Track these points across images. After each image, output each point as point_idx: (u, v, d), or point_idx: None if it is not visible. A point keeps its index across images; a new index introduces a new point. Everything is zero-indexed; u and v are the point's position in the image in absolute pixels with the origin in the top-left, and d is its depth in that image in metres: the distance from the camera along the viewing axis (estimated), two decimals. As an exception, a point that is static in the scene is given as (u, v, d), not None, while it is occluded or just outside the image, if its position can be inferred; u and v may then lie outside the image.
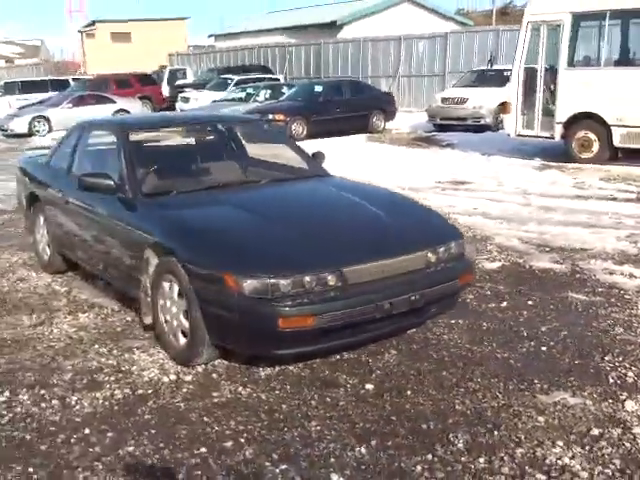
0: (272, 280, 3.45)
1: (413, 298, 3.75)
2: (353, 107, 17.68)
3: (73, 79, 27.29)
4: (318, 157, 5.24)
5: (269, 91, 19.88)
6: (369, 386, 3.71)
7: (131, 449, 3.12)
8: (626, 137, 11.22)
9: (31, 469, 2.97)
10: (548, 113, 12.02)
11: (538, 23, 11.92)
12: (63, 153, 5.60)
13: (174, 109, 22.74)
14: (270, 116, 16.79)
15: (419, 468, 2.92)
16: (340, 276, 3.56)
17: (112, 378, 3.87)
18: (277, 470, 2.92)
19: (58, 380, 3.84)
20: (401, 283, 3.74)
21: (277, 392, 3.66)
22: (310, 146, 6.19)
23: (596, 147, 11.57)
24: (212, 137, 5.61)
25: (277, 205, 4.38)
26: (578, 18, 11.55)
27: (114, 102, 20.56)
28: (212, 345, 3.81)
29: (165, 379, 3.84)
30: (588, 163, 11.49)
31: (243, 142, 5.50)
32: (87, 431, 3.30)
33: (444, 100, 17.70)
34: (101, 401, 3.60)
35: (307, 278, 3.49)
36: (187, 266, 3.72)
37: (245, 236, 3.81)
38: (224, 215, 4.14)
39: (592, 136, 11.58)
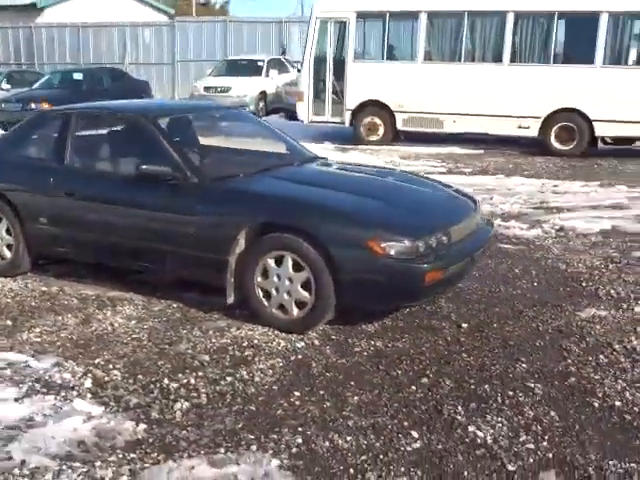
0: (413, 243, 4.04)
1: (479, 251, 4.64)
2: (115, 96, 17.14)
3: None
4: None
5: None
6: (465, 325, 4.50)
7: (355, 399, 3.51)
8: (407, 121, 13.15)
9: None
10: (338, 101, 13.42)
11: (326, 19, 13.21)
12: (37, 144, 5.24)
13: None
14: (33, 105, 15.74)
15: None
16: (449, 236, 4.29)
17: (248, 352, 4.07)
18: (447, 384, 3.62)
19: (206, 364, 3.92)
20: (474, 239, 4.59)
21: (402, 341, 4.26)
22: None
23: (381, 131, 13.32)
24: (225, 123, 5.70)
25: (347, 182, 4.87)
26: (362, 17, 13.13)
27: None
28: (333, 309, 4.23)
29: (299, 345, 4.17)
30: (375, 145, 13.19)
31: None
32: (297, 394, 3.58)
33: (207, 89, 18.24)
34: (270, 371, 3.83)
35: (433, 239, 4.15)
36: (316, 239, 4.08)
37: (368, 208, 4.29)
38: (324, 192, 4.52)
39: (378, 121, 13.30)
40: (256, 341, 4.23)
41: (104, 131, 5.36)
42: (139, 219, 4.69)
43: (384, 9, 12.99)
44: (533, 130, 12.38)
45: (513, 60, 12.36)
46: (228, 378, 3.74)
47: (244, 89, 17.95)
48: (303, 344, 4.19)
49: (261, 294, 4.38)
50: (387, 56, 13.17)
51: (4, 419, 3.30)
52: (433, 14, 12.70)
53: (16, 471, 2.89)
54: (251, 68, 19.04)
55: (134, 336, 4.33)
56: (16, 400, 3.50)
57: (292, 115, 16.63)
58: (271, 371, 3.84)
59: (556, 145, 12.33)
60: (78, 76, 17.12)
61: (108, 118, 5.27)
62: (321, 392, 3.60)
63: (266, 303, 4.38)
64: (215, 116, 5.65)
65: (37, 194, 5.14)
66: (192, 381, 3.71)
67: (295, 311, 4.30)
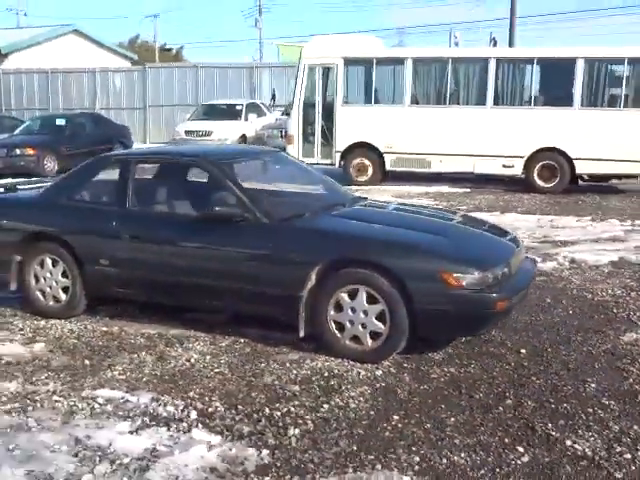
0: (482, 274, 4.35)
1: (531, 282, 4.99)
2: (97, 141, 17.42)
3: None
4: None
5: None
6: (523, 350, 4.81)
7: (452, 420, 3.77)
8: (395, 162, 13.62)
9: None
10: (327, 143, 13.84)
11: (314, 65, 13.67)
12: (95, 189, 5.43)
13: None
14: (18, 150, 15.81)
15: None
16: (509, 267, 4.62)
17: (333, 382, 4.28)
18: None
19: (298, 394, 4.12)
20: (524, 272, 4.94)
21: (472, 367, 4.54)
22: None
23: (370, 171, 13.76)
24: (277, 166, 5.93)
25: (407, 220, 5.18)
26: (349, 62, 13.63)
27: None
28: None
29: (378, 373, 4.41)
30: (364, 185, 13.58)
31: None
32: (396, 417, 3.82)
33: (188, 133, 18.51)
34: (361, 398, 4.06)
35: (498, 271, 4.47)
36: (392, 273, 4.36)
37: (438, 243, 4.60)
38: (392, 229, 4.81)
39: (367, 162, 13.75)
40: (336, 371, 4.44)
41: (165, 176, 5.56)
42: (210, 259, 4.89)
43: (371, 55, 13.54)
44: (517, 169, 12.97)
45: (496, 103, 12.99)
46: (325, 406, 3.95)
47: (225, 133, 18.27)
48: (381, 372, 4.42)
49: (334, 327, 4.61)
50: (375, 100, 13.67)
51: (129, 451, 3.44)
52: (418, 60, 13.28)
53: (165, 497, 3.03)
54: (230, 112, 19.43)
55: (216, 370, 4.50)
56: (131, 433, 3.64)
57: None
58: (362, 398, 4.06)
59: (539, 183, 12.92)
60: (60, 121, 17.19)
61: (168, 163, 5.49)
62: (417, 415, 3.84)
63: (339, 335, 4.61)
64: (262, 159, 5.90)
65: (99, 237, 5.29)
66: (292, 410, 3.90)
67: (369, 342, 4.54)
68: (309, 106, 13.84)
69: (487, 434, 3.63)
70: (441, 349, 4.79)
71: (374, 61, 13.49)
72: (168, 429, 3.68)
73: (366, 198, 5.87)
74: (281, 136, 17.70)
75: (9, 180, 6.75)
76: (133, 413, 3.88)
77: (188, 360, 4.68)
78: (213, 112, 19.50)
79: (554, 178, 12.83)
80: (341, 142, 13.67)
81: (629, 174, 12.71)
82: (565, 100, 12.62)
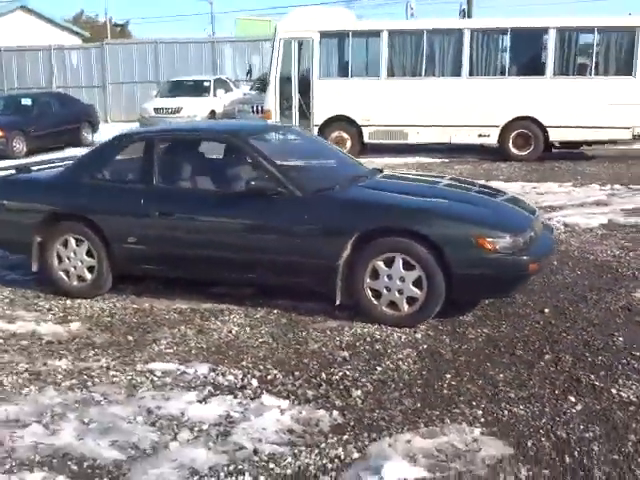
0: (514, 238, 4.57)
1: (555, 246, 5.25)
2: (64, 120, 17.17)
3: None
4: None
5: None
6: (547, 309, 5.06)
7: (501, 376, 4.00)
8: (373, 134, 13.78)
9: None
10: (305, 117, 13.90)
11: (290, 39, 13.67)
12: (119, 167, 5.46)
13: None
14: (-14, 132, 15.45)
15: None
16: (535, 232, 4.85)
17: (378, 346, 4.46)
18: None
19: (349, 359, 4.29)
20: (545, 236, 5.18)
21: (504, 327, 4.77)
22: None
23: (349, 144, 13.88)
24: (295, 140, 6.00)
25: (434, 190, 5.35)
26: (326, 36, 13.66)
27: None
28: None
29: (418, 336, 4.60)
30: (342, 158, 13.68)
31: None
32: (448, 376, 4.02)
33: (157, 110, 18.28)
34: (409, 360, 4.25)
35: (526, 235, 4.69)
36: (429, 240, 4.54)
37: (471, 210, 4.79)
38: (424, 198, 4.97)
39: (345, 135, 13.87)
40: (377, 336, 4.62)
41: (192, 152, 5.60)
42: (245, 233, 4.99)
43: (347, 28, 13.60)
44: (493, 138, 13.28)
45: (471, 74, 13.22)
46: (378, 368, 4.13)
47: (194, 109, 18.11)
48: (420, 335, 4.62)
49: (370, 294, 4.78)
50: (352, 73, 13.75)
51: (204, 419, 3.56)
52: (394, 32, 13.40)
53: (256, 458, 3.18)
54: (198, 88, 19.26)
55: (260, 340, 4.63)
56: (200, 402, 3.75)
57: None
58: (410, 360, 4.25)
59: (514, 151, 13.26)
60: (27, 101, 16.82)
61: (195, 140, 5.53)
62: (467, 373, 4.05)
63: (376, 302, 4.78)
64: (282, 134, 5.97)
65: (126, 215, 5.32)
66: (347, 373, 4.07)
67: (406, 307, 4.72)
68: (286, 80, 13.85)
69: (537, 387, 3.85)
70: (469, 312, 5.00)
71: (350, 34, 13.56)
72: (234, 397, 3.80)
73: (382, 170, 6.01)
74: (252, 111, 17.66)
75: (21, 161, 6.67)
76: (194, 384, 3.99)
77: (229, 332, 4.79)
78: (180, 88, 19.28)
79: (528, 146, 13.18)
80: (319, 116, 13.75)
81: (599, 140, 13.13)
82: (538, 70, 12.94)
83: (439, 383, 3.93)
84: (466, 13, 21.79)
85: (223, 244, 5.05)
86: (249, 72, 20.47)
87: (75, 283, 5.58)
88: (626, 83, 12.60)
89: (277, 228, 4.90)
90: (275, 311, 5.15)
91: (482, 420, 3.49)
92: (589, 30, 12.81)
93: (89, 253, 5.48)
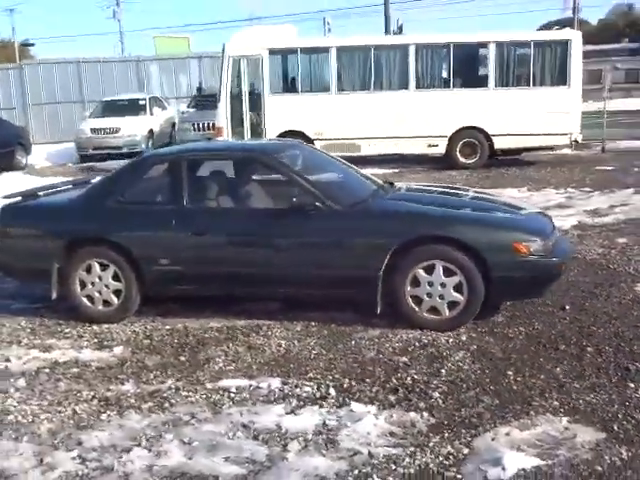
0: (544, 241, 4.91)
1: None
2: (-1, 144, 16.55)
3: None
4: None
5: None
6: (567, 306, 5.44)
7: (558, 370, 4.31)
8: (326, 147, 13.86)
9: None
10: (257, 133, 14.04)
11: (239, 57, 13.79)
12: (145, 188, 5.48)
13: None
14: None
15: None
16: (556, 236, 5.22)
17: (431, 350, 4.69)
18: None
19: (410, 364, 4.50)
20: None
21: (537, 325, 5.10)
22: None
23: (301, 158, 14.04)
24: (306, 155, 6.07)
25: (460, 200, 5.64)
26: (274, 53, 13.86)
27: None
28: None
29: (463, 338, 4.86)
30: (296, 172, 13.91)
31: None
32: (510, 373, 4.30)
33: (94, 131, 17.93)
34: (467, 360, 4.50)
35: (552, 238, 5.06)
36: (468, 246, 4.82)
37: (504, 218, 5.10)
38: (456, 209, 5.24)
39: (298, 150, 14.02)
40: (425, 340, 4.85)
41: (220, 171, 5.66)
42: (284, 249, 5.11)
43: (295, 45, 13.85)
44: (441, 148, 13.83)
45: (418, 86, 13.73)
46: (442, 370, 4.35)
47: (134, 129, 17.88)
48: (465, 337, 4.88)
49: (411, 301, 5.01)
50: (302, 88, 14.00)
51: (302, 429, 3.67)
52: (342, 49, 13.76)
53: (374, 461, 3.33)
54: (133, 107, 18.99)
55: (314, 352, 4.77)
56: (289, 414, 3.86)
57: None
58: (467, 360, 4.49)
59: (461, 159, 13.86)
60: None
61: (222, 158, 5.60)
62: (526, 369, 4.33)
63: (417, 308, 5.01)
64: (297, 151, 6.10)
65: (157, 237, 5.34)
66: (416, 377, 4.27)
67: (447, 312, 4.97)
68: (236, 98, 13.95)
69: (594, 377, 4.17)
70: (497, 313, 5.30)
71: (299, 50, 13.80)
72: (320, 407, 3.93)
73: (392, 183, 6.26)
74: (194, 129, 17.59)
75: (25, 188, 6.52)
76: (273, 397, 4.09)
77: (279, 346, 4.89)
78: (115, 108, 18.92)
79: (474, 154, 13.80)
80: (271, 131, 13.90)
81: (540, 147, 13.90)
82: (481, 81, 13.59)
83: (505, 380, 4.18)
84: (402, 29, 22.48)
85: (261, 261, 5.15)
86: (199, 89, 20.32)
87: (100, 308, 5.52)
88: (562, 92, 13.41)
89: (318, 242, 5.05)
90: (313, 323, 5.28)
91: (562, 410, 3.77)
92: (526, 44, 13.58)
93: (115, 277, 5.44)
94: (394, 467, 3.28)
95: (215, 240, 5.23)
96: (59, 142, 22.63)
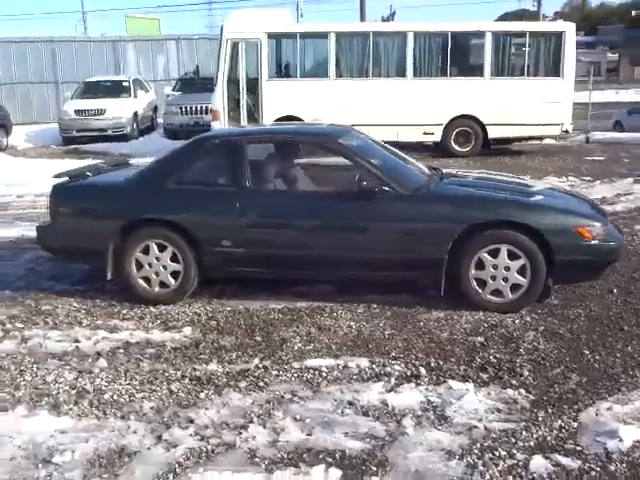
0: (604, 226, 5.10)
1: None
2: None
3: None
4: None
5: None
6: (614, 290, 5.66)
7: (629, 349, 4.50)
8: (322, 134, 14.05)
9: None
10: (253, 118, 13.99)
11: (237, 40, 13.70)
12: (204, 170, 5.48)
13: None
14: None
15: None
16: (608, 221, 5.43)
17: (502, 331, 4.83)
18: None
19: (486, 344, 4.64)
20: None
21: (593, 307, 5.30)
22: None
23: (298, 144, 14.07)
24: (361, 141, 6.06)
25: (518, 187, 5.78)
26: (273, 37, 13.82)
27: None
28: (540, 287, 5.15)
29: (528, 318, 5.03)
30: (292, 157, 13.94)
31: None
32: (586, 352, 4.48)
33: (78, 112, 17.62)
34: (541, 340, 4.66)
35: (607, 223, 5.25)
36: (534, 230, 4.97)
37: (566, 203, 5.29)
38: (518, 194, 5.39)
39: (294, 135, 14.04)
40: (492, 322, 5.00)
41: (283, 154, 5.68)
42: (352, 233, 5.19)
43: (295, 30, 13.82)
44: (437, 136, 14.01)
45: (416, 75, 13.86)
46: (520, 349, 4.50)
47: (119, 111, 17.62)
48: (530, 318, 5.05)
49: (475, 284, 5.14)
50: (300, 74, 13.99)
51: (407, 406, 3.77)
52: (341, 34, 13.78)
53: (493, 435, 3.46)
54: (117, 89, 18.71)
55: (387, 333, 4.87)
56: (389, 392, 3.96)
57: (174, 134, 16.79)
58: (541, 340, 4.66)
59: (456, 147, 14.07)
60: (-61, 104, 15.62)
61: (285, 142, 5.62)
62: (599, 348, 4.51)
63: (480, 290, 5.15)
64: (353, 137, 6.07)
65: (219, 218, 5.35)
66: (497, 356, 4.41)
67: (510, 294, 5.13)
68: (233, 81, 13.85)
69: (663, 355, 4.38)
70: (551, 296, 5.47)
71: (298, 36, 13.78)
72: (417, 385, 4.04)
73: (438, 169, 6.36)
74: (181, 112, 17.41)
75: (69, 167, 6.43)
76: (367, 375, 4.18)
77: (350, 327, 4.98)
78: (98, 89, 18.58)
79: (469, 143, 14.02)
80: (268, 116, 13.85)
81: (533, 136, 14.20)
82: (477, 71, 13.79)
83: (584, 358, 4.36)
84: (394, 15, 22.56)
85: (326, 244, 5.21)
86: (195, 72, 20.03)
87: (157, 289, 5.51)
88: (555, 83, 13.71)
89: (385, 226, 5.14)
90: (374, 305, 5.38)
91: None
92: (522, 35, 13.82)
93: (173, 258, 5.44)
94: (514, 440, 3.40)
95: (279, 222, 5.27)
96: (34, 123, 22.18)
